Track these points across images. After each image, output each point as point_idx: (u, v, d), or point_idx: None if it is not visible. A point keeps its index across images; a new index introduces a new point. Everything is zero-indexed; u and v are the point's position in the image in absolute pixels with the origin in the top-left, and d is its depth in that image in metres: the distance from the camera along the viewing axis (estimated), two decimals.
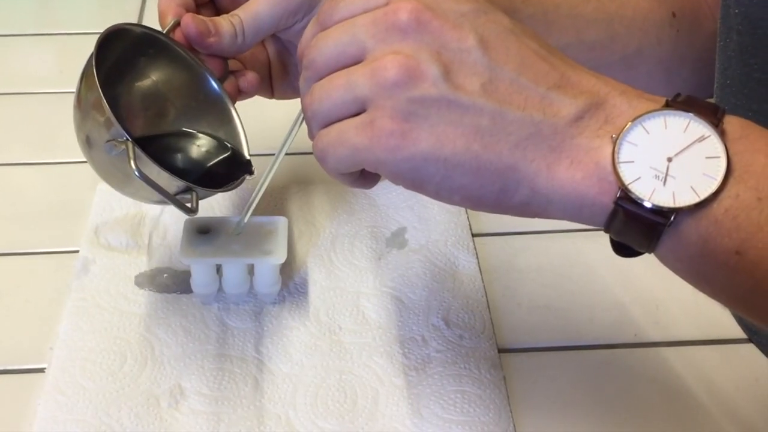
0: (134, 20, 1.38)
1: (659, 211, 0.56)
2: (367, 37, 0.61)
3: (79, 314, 0.90)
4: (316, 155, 0.64)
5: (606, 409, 0.83)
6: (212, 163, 0.86)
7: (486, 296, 0.93)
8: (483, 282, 0.95)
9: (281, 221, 0.91)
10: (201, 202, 0.80)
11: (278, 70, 0.92)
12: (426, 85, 0.59)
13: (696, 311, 0.92)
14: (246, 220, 0.88)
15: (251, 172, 0.85)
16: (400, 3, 0.61)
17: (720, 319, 0.91)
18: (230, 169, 0.86)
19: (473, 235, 1.01)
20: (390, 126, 0.59)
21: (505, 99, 0.59)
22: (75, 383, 0.83)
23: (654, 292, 0.94)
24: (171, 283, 0.94)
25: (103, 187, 1.05)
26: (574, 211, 0.59)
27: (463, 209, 1.03)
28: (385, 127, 0.59)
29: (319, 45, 0.63)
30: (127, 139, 0.75)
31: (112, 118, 0.75)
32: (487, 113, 0.59)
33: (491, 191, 0.60)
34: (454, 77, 0.59)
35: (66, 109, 1.19)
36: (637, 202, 0.57)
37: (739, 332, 0.90)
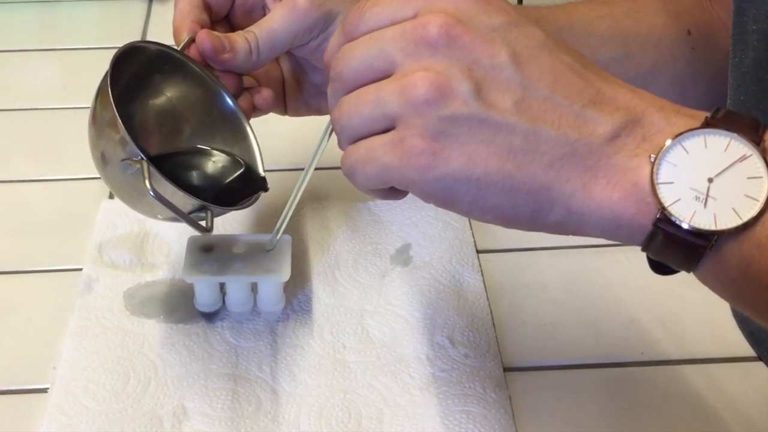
0: (139, 35, 1.38)
1: (700, 234, 0.55)
2: (395, 51, 0.60)
3: (82, 334, 0.89)
4: (345, 171, 0.63)
5: (613, 429, 0.83)
6: (227, 181, 0.86)
7: (491, 314, 0.93)
8: (488, 299, 0.94)
9: (285, 239, 0.90)
10: None
11: (292, 87, 0.91)
12: (457, 103, 0.58)
13: (704, 328, 0.91)
14: (279, 236, 0.88)
15: (266, 189, 0.85)
16: (430, 16, 0.59)
17: (729, 337, 0.90)
18: (244, 187, 0.86)
19: (478, 252, 1.00)
20: (420, 145, 0.58)
21: (539, 117, 0.58)
22: (78, 403, 0.83)
23: (661, 309, 0.93)
24: (173, 302, 0.93)
25: (107, 205, 1.05)
26: (611, 231, 0.58)
27: (467, 225, 1.02)
28: (415, 146, 0.58)
29: (347, 57, 0.62)
30: (143, 158, 0.75)
31: (127, 138, 0.75)
32: (520, 132, 0.58)
33: (525, 211, 0.59)
34: (486, 95, 0.58)
35: (69, 124, 1.21)
36: (676, 224, 0.55)
37: (749, 349, 0.89)
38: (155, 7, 1.49)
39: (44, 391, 0.85)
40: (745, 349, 0.90)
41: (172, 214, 0.78)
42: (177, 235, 1.01)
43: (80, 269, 0.97)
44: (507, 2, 0.62)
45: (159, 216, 0.82)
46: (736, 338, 0.91)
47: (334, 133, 0.65)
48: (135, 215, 1.02)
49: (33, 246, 1.01)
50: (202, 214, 0.80)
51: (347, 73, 0.62)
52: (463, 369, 0.87)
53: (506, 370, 0.87)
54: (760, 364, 0.88)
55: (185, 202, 0.78)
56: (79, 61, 1.37)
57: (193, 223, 0.79)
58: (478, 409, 0.83)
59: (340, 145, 0.64)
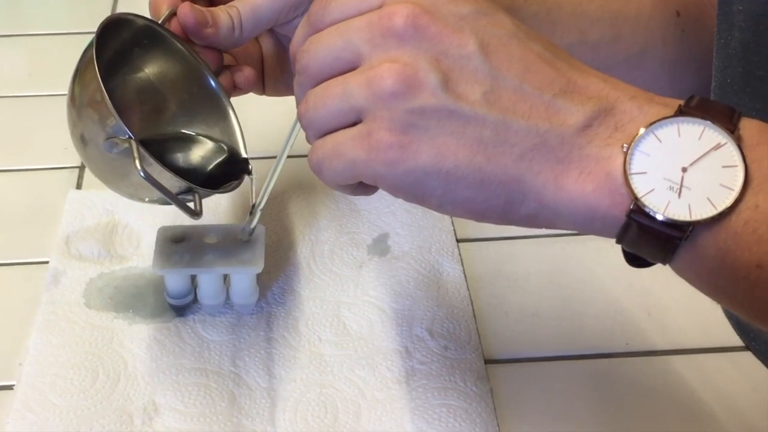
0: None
1: (674, 225, 0.54)
2: (361, 43, 0.59)
3: (49, 328, 0.87)
4: (312, 167, 0.62)
5: (598, 422, 0.82)
6: (211, 166, 0.84)
7: (472, 305, 0.92)
8: (469, 290, 0.93)
9: (258, 229, 0.89)
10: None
11: (272, 66, 0.89)
12: (425, 95, 0.57)
13: (689, 318, 0.91)
14: (253, 226, 0.87)
15: (249, 172, 0.84)
16: (396, 6, 0.58)
17: (715, 327, 0.90)
18: (227, 169, 0.84)
19: (458, 241, 0.99)
20: (388, 139, 0.57)
21: (509, 108, 0.57)
22: (45, 400, 0.81)
23: (645, 299, 0.92)
24: (144, 294, 0.91)
25: (74, 195, 1.03)
26: (585, 223, 0.57)
27: None
28: (382, 139, 0.57)
29: (312, 49, 0.61)
30: (131, 137, 0.73)
31: (116, 116, 0.73)
32: (490, 123, 0.57)
33: (496, 204, 0.58)
34: (455, 86, 0.57)
35: (35, 112, 1.19)
36: (650, 216, 0.55)
37: (735, 339, 0.89)
38: None
39: (10, 387, 0.83)
40: (732, 338, 0.89)
41: (158, 196, 0.76)
42: (147, 226, 0.99)
43: (47, 262, 0.95)
44: None
45: (143, 198, 0.80)
46: (722, 328, 0.90)
47: None
48: (103, 206, 1.00)
49: None
50: (189, 197, 0.78)
51: (313, 65, 0.61)
52: (443, 362, 0.85)
53: (487, 362, 0.86)
54: (747, 354, 0.88)
55: (172, 184, 0.76)
56: (46, 47, 1.35)
57: (183, 206, 0.77)
58: (458, 402, 0.82)
59: (308, 139, 0.63)
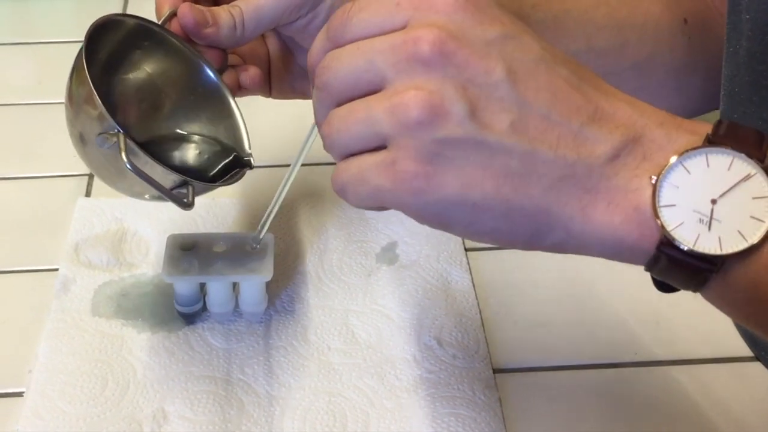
0: None
1: (705, 258, 0.54)
2: (385, 66, 0.57)
3: (58, 336, 0.87)
4: (336, 189, 0.61)
5: (606, 431, 0.82)
6: (216, 168, 0.83)
7: (480, 314, 0.91)
8: (477, 299, 0.93)
9: (268, 237, 0.89)
10: (191, 215, 0.77)
11: (278, 68, 0.89)
12: (451, 125, 0.55)
13: (698, 329, 0.90)
14: (263, 234, 0.87)
15: (251, 166, 0.83)
16: (422, 31, 0.56)
17: (724, 337, 0.89)
18: (232, 165, 0.83)
19: (466, 250, 0.99)
20: (413, 168, 0.56)
21: (536, 138, 0.56)
22: (54, 407, 0.81)
23: (654, 309, 0.92)
24: (153, 302, 0.91)
25: (83, 203, 1.03)
26: (613, 253, 0.57)
27: None
28: (408, 169, 0.56)
29: (333, 67, 0.59)
30: (119, 131, 0.73)
31: (103, 110, 0.73)
32: (517, 154, 0.56)
33: (523, 234, 0.57)
34: (482, 115, 0.56)
35: (45, 120, 1.19)
36: (680, 249, 0.54)
37: (745, 350, 0.89)
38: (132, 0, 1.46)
39: (20, 394, 0.83)
40: (742, 349, 0.89)
41: (153, 191, 0.75)
42: (155, 234, 0.99)
43: (56, 269, 0.95)
44: (501, 10, 0.59)
45: (139, 194, 0.80)
46: (732, 338, 0.90)
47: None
48: (112, 213, 1.01)
49: (7, 246, 0.99)
50: (184, 191, 0.77)
51: (334, 84, 0.60)
52: (451, 370, 0.85)
53: (496, 371, 0.86)
54: (757, 365, 0.87)
55: (165, 177, 0.75)
56: (55, 55, 1.35)
57: (174, 198, 0.76)
58: (467, 411, 0.82)
59: (327, 151, 0.62)
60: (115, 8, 1.42)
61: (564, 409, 0.83)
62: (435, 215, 0.58)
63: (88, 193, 1.06)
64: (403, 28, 0.58)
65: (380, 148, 0.58)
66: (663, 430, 0.82)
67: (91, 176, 1.08)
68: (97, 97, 0.73)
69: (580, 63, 0.59)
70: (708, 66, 0.89)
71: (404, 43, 0.57)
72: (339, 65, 0.59)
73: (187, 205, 0.77)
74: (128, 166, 0.72)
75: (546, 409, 0.83)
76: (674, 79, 0.90)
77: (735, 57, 0.80)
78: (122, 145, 0.72)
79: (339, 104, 0.60)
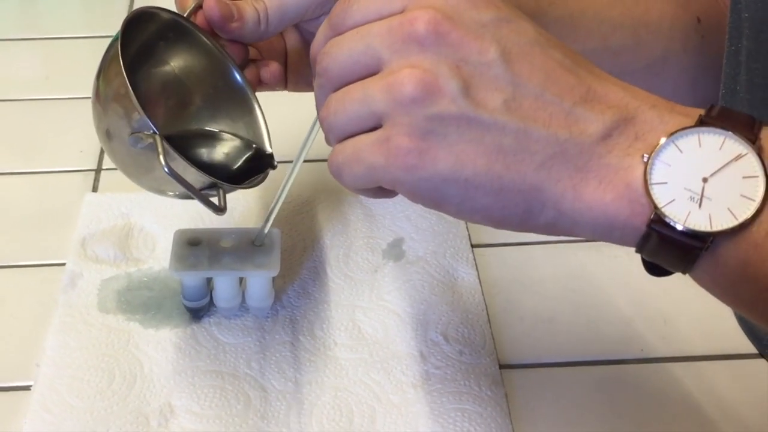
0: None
1: (695, 235, 0.54)
2: (382, 48, 0.58)
3: (66, 330, 0.88)
4: (332, 171, 0.62)
5: (612, 428, 0.82)
6: (238, 164, 0.83)
7: (486, 310, 0.91)
8: (483, 295, 0.93)
9: (274, 233, 0.89)
10: (198, 210, 0.77)
11: (296, 62, 0.89)
12: (445, 101, 0.56)
13: (704, 326, 0.90)
14: (267, 230, 0.87)
15: (273, 166, 0.82)
16: (418, 11, 0.57)
17: (730, 334, 0.89)
18: (252, 164, 0.83)
19: (473, 246, 0.99)
20: (407, 144, 0.57)
21: (529, 116, 0.56)
22: (62, 401, 0.81)
23: (661, 305, 0.92)
24: (159, 297, 0.92)
25: (91, 198, 1.03)
26: (603, 232, 0.57)
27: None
28: (401, 145, 0.57)
29: (333, 52, 0.61)
30: (155, 133, 0.72)
31: (140, 111, 0.72)
32: (510, 132, 0.56)
33: (515, 212, 0.58)
34: (475, 93, 0.56)
35: (52, 115, 1.19)
36: (671, 226, 0.54)
37: (750, 347, 0.88)
38: None
39: (27, 388, 0.83)
40: (748, 347, 0.89)
41: (182, 191, 0.75)
42: (162, 229, 0.99)
43: (63, 264, 0.95)
44: None
45: (166, 192, 0.80)
46: (737, 336, 0.90)
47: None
48: (119, 209, 1.01)
49: (15, 240, 1.00)
50: (213, 192, 0.77)
51: (333, 68, 0.61)
52: (458, 366, 0.85)
53: (502, 367, 0.86)
54: (762, 362, 0.87)
55: (196, 179, 0.75)
56: (62, 50, 1.35)
57: (207, 202, 0.76)
58: (473, 407, 0.82)
59: (328, 142, 0.63)
60: (122, 4, 1.43)
61: (570, 405, 0.83)
62: (427, 191, 0.58)
63: (95, 189, 1.06)
64: (401, 13, 0.59)
65: (376, 128, 0.59)
66: (668, 426, 0.81)
67: (98, 171, 1.08)
68: (134, 97, 0.72)
69: (583, 55, 0.60)
70: (720, 65, 0.88)
71: (400, 25, 0.58)
72: (338, 50, 0.60)
73: (220, 210, 0.76)
74: (166, 169, 0.72)
75: (552, 405, 0.83)
76: (688, 78, 0.90)
77: (737, 55, 0.80)
78: (160, 149, 0.72)
79: (338, 89, 0.61)
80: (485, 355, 0.86)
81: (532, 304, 0.93)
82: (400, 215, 1.02)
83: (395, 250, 0.98)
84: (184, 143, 0.81)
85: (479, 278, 0.95)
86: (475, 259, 0.97)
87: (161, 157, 0.72)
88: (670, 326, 0.90)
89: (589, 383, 0.85)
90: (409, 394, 0.83)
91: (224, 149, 0.84)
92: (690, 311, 0.91)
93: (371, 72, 0.59)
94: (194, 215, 0.98)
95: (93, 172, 1.08)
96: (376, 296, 0.93)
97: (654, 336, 0.89)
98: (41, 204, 1.05)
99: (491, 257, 0.98)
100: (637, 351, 0.88)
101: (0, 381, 0.84)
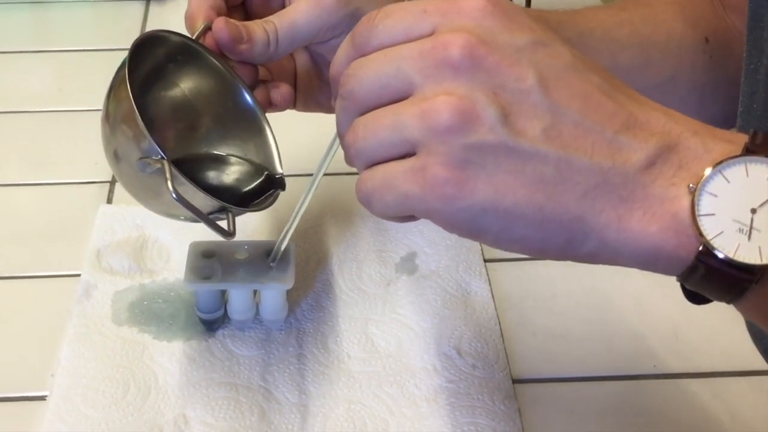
0: (136, 36, 1.36)
1: (745, 268, 0.53)
2: (414, 72, 0.56)
3: (80, 341, 0.88)
4: (360, 198, 0.60)
5: None
6: (247, 189, 0.83)
7: (499, 324, 0.92)
8: (496, 309, 0.93)
9: (289, 246, 0.89)
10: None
11: (305, 82, 0.89)
12: (483, 130, 0.54)
13: (717, 341, 0.90)
14: (283, 247, 0.87)
15: (283, 188, 0.82)
16: (451, 35, 0.55)
17: (743, 350, 0.89)
18: (263, 186, 0.83)
19: (485, 261, 0.99)
20: (444, 174, 0.55)
21: (570, 144, 0.54)
22: (77, 412, 0.81)
23: (673, 321, 0.92)
24: (174, 309, 0.92)
25: (105, 209, 1.04)
26: (647, 263, 0.56)
27: None
28: (438, 175, 0.55)
29: (359, 75, 0.58)
30: (163, 158, 0.72)
31: (148, 136, 0.72)
32: (551, 161, 0.54)
33: (556, 242, 0.56)
34: (514, 121, 0.54)
35: (65, 127, 1.19)
36: (720, 258, 0.53)
37: (763, 363, 0.88)
38: (153, 8, 1.47)
39: (42, 398, 0.84)
40: (761, 363, 0.88)
41: (191, 215, 0.75)
42: (176, 241, 0.99)
43: (78, 275, 0.95)
44: (530, 18, 0.58)
45: (174, 216, 0.80)
46: (750, 352, 0.89)
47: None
48: (133, 220, 1.01)
49: (30, 252, 1.00)
50: (222, 216, 0.77)
51: (360, 92, 0.58)
52: (471, 380, 0.85)
53: (515, 381, 0.86)
54: None
55: (205, 203, 0.75)
56: (75, 62, 1.35)
57: (215, 226, 0.76)
58: (486, 421, 0.82)
59: (350, 164, 0.61)
60: (135, 16, 1.43)
61: (583, 421, 0.83)
62: (465, 222, 0.56)
63: (109, 200, 1.06)
64: (430, 34, 0.57)
65: (406, 155, 0.57)
66: None
67: (112, 183, 1.08)
68: (141, 122, 0.72)
69: (616, 76, 0.59)
70: (729, 84, 0.88)
71: (433, 48, 0.56)
72: (365, 73, 0.58)
73: (228, 234, 0.76)
74: (174, 195, 0.71)
75: (565, 420, 0.83)
76: (696, 97, 0.90)
77: (755, 74, 0.79)
78: (168, 174, 0.71)
79: (363, 113, 0.59)
80: (498, 370, 0.86)
81: (545, 319, 0.93)
82: (413, 229, 1.02)
83: (408, 264, 0.98)
84: (194, 167, 0.81)
85: (492, 293, 0.95)
86: (488, 274, 0.97)
87: (169, 183, 0.71)
88: (683, 342, 0.90)
89: (601, 398, 0.85)
90: (423, 408, 0.83)
91: (234, 172, 0.84)
92: (702, 327, 0.91)
93: (401, 97, 0.57)
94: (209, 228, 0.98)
95: (107, 184, 1.08)
96: (389, 310, 0.93)
97: (666, 351, 0.89)
98: (56, 215, 1.05)
99: (504, 272, 0.98)
100: (650, 366, 0.88)
101: (15, 391, 0.84)
